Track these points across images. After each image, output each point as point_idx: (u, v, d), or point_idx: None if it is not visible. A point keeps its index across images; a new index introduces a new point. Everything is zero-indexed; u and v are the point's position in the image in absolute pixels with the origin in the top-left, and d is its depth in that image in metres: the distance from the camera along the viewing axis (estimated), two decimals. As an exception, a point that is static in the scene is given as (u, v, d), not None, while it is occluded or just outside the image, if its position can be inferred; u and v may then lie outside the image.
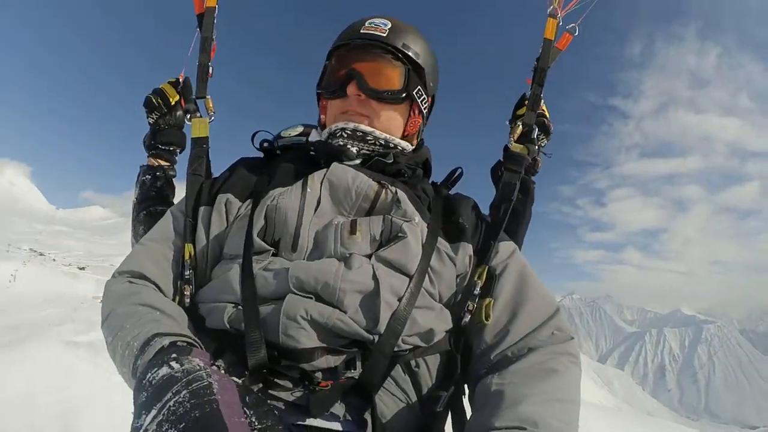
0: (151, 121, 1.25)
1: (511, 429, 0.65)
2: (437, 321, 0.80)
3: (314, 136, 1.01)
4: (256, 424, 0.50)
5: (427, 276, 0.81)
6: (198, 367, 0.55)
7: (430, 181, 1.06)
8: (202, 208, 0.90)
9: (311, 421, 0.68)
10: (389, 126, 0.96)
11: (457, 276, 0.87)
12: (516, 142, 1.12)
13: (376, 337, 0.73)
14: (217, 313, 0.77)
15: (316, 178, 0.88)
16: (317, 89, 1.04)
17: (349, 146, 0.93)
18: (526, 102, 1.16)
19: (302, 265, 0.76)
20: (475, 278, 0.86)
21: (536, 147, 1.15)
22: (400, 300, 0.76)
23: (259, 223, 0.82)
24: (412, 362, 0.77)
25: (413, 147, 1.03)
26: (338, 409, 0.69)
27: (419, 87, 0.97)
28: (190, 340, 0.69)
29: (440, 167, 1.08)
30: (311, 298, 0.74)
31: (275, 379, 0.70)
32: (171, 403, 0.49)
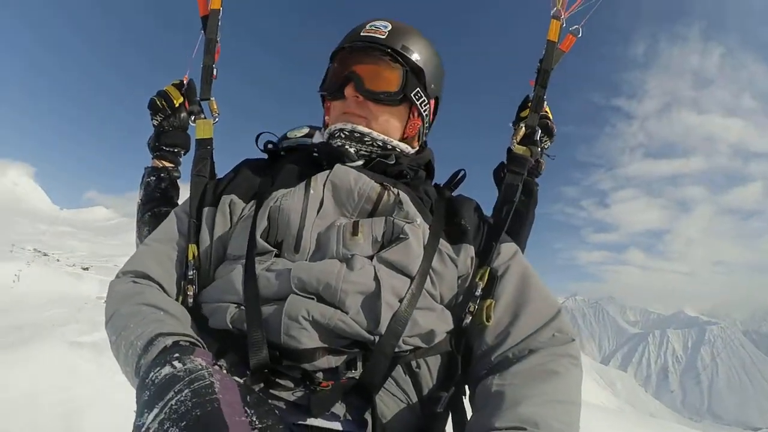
0: (155, 123, 1.25)
1: (512, 429, 0.65)
2: (438, 322, 0.81)
3: (317, 138, 1.02)
4: (257, 423, 0.51)
5: (428, 277, 0.81)
6: (200, 367, 0.56)
7: (433, 183, 1.06)
8: (206, 209, 0.91)
9: (312, 421, 0.69)
10: (387, 127, 0.97)
11: (459, 277, 0.87)
12: (519, 143, 1.12)
13: (377, 338, 0.73)
14: (219, 313, 0.78)
15: (319, 179, 0.89)
16: (320, 91, 1.05)
17: (347, 147, 0.93)
18: (530, 104, 1.16)
19: (304, 266, 0.77)
20: (477, 280, 0.86)
21: (539, 149, 1.15)
22: (401, 301, 0.76)
23: (262, 224, 0.82)
24: (413, 363, 0.78)
25: (414, 149, 1.03)
26: (339, 409, 0.70)
27: (418, 89, 0.98)
28: (192, 340, 0.70)
29: (444, 169, 1.08)
30: (313, 298, 0.74)
31: (277, 379, 0.71)
32: (173, 401, 0.50)
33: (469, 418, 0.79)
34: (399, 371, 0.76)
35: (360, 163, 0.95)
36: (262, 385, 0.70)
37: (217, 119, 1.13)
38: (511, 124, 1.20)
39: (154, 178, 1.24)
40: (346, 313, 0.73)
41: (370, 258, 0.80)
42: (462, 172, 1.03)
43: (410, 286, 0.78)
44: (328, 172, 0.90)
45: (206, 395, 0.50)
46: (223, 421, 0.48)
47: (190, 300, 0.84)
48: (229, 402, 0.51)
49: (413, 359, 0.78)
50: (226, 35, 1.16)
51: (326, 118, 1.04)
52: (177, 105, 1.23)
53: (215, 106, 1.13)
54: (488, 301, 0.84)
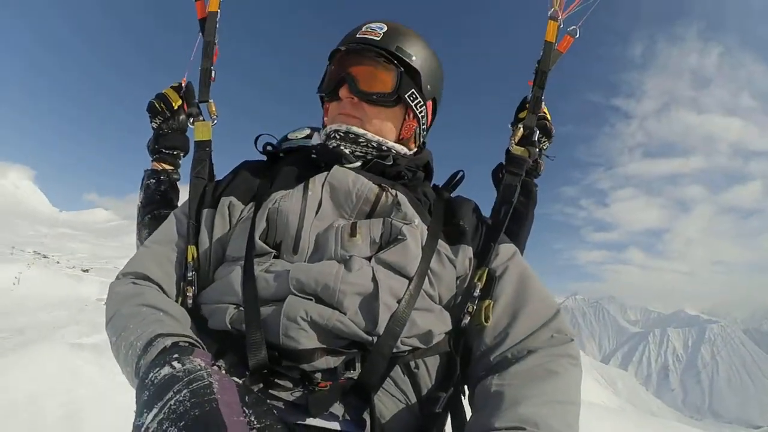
0: (154, 125, 1.26)
1: (511, 429, 0.65)
2: (436, 323, 0.81)
3: (316, 139, 1.02)
4: (255, 423, 0.51)
5: (426, 278, 0.81)
6: (199, 367, 0.56)
7: (431, 184, 1.07)
8: (205, 211, 0.91)
9: (311, 421, 0.69)
10: (381, 128, 0.97)
11: (457, 278, 0.87)
12: (517, 144, 1.12)
13: (375, 339, 0.73)
14: (219, 314, 0.78)
15: (317, 181, 0.89)
16: (317, 92, 1.06)
17: (342, 148, 0.94)
18: (528, 105, 1.16)
19: (303, 267, 0.77)
20: (475, 280, 0.86)
21: (537, 149, 1.15)
22: (399, 302, 0.76)
23: (261, 225, 0.82)
24: (412, 363, 0.78)
25: (411, 150, 1.04)
26: (337, 409, 0.70)
27: (413, 90, 0.98)
28: (192, 341, 0.70)
29: (443, 170, 1.09)
30: (311, 299, 0.74)
31: (275, 380, 0.71)
32: (172, 402, 0.50)
33: (468, 419, 0.79)
34: (397, 372, 0.76)
35: (358, 164, 0.95)
36: (261, 385, 0.70)
37: (215, 121, 1.13)
38: (509, 126, 1.21)
39: (154, 180, 1.24)
40: (345, 313, 0.73)
41: (369, 259, 0.80)
42: (460, 173, 1.03)
43: (408, 286, 0.78)
44: (326, 173, 0.90)
45: (205, 395, 0.51)
46: (221, 421, 0.48)
47: (190, 301, 0.84)
48: (227, 402, 0.51)
49: (412, 360, 0.78)
50: (226, 37, 1.17)
51: (325, 119, 1.05)
52: (176, 107, 1.24)
53: (213, 108, 1.14)
54: (487, 302, 0.84)
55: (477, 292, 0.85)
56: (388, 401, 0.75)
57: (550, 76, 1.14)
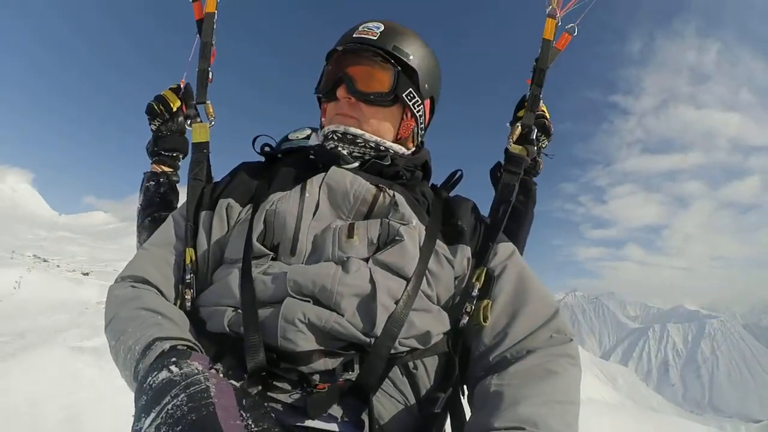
0: (153, 127, 1.25)
1: (511, 429, 0.65)
2: (435, 323, 0.81)
3: (314, 139, 1.02)
4: (253, 426, 0.51)
5: (424, 278, 0.81)
6: (196, 371, 0.56)
7: (430, 184, 1.06)
8: (203, 213, 0.91)
9: (309, 423, 0.69)
10: (379, 128, 0.97)
11: (456, 278, 0.87)
12: (515, 143, 1.12)
13: (373, 340, 0.73)
14: (217, 317, 0.78)
15: (314, 182, 0.89)
16: (315, 93, 1.05)
17: (340, 149, 0.94)
18: (526, 103, 1.16)
19: (300, 269, 0.77)
20: (474, 280, 0.86)
21: (535, 148, 1.15)
22: (397, 303, 0.76)
23: (258, 227, 0.82)
24: (410, 364, 0.78)
25: (409, 150, 1.03)
26: (336, 410, 0.70)
27: (410, 89, 0.98)
28: (190, 344, 0.70)
29: (441, 169, 1.09)
30: (309, 301, 0.74)
31: (274, 382, 0.71)
32: (169, 406, 0.51)
33: (467, 419, 0.79)
34: (396, 372, 0.76)
35: (356, 165, 0.95)
36: (259, 387, 0.70)
37: (213, 122, 1.13)
38: (508, 124, 1.21)
39: (154, 183, 1.24)
40: (342, 315, 0.73)
41: (366, 260, 0.80)
42: (459, 173, 1.03)
43: (406, 287, 0.78)
44: (323, 174, 0.90)
45: (202, 400, 0.51)
46: (218, 425, 0.48)
47: (188, 304, 0.84)
48: (224, 406, 0.51)
49: (410, 360, 0.78)
50: (225, 37, 1.17)
51: (323, 119, 1.05)
52: (174, 109, 1.23)
53: (211, 110, 1.14)
54: (485, 302, 0.84)
55: (475, 292, 0.85)
56: (387, 402, 0.75)
57: (548, 74, 1.14)
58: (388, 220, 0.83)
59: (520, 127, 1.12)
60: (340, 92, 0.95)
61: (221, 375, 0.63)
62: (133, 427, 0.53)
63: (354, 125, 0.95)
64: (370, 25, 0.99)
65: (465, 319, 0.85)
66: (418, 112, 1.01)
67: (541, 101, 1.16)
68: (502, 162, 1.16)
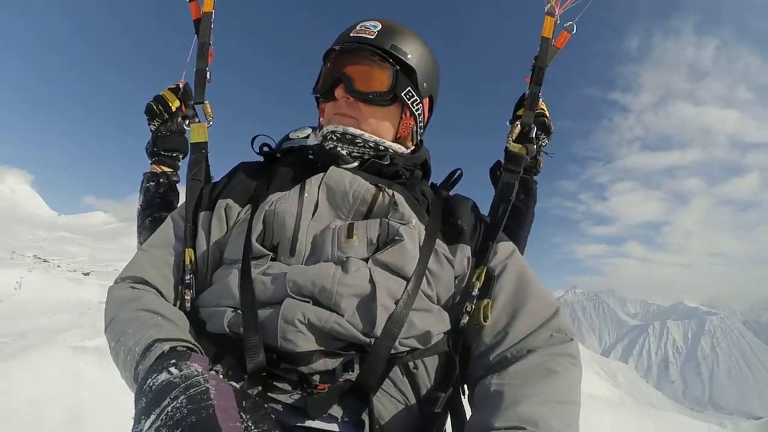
0: (152, 128, 1.25)
1: (511, 429, 0.65)
2: (435, 323, 0.81)
3: (313, 139, 1.02)
4: (253, 428, 0.51)
5: (424, 278, 0.81)
6: (196, 373, 0.56)
7: (429, 183, 1.06)
8: (202, 213, 0.91)
9: (310, 423, 0.69)
10: (378, 128, 0.96)
11: (456, 278, 0.87)
12: (515, 141, 1.12)
13: (373, 340, 0.73)
14: (217, 318, 0.78)
15: (313, 182, 0.89)
16: (313, 92, 1.05)
17: (339, 149, 0.93)
18: (525, 101, 1.16)
19: (300, 269, 0.77)
20: (474, 280, 0.86)
21: (535, 146, 1.15)
22: (397, 303, 0.76)
23: (257, 228, 0.82)
24: (410, 364, 0.78)
25: (409, 149, 1.03)
26: (336, 411, 0.70)
27: (409, 88, 0.97)
28: (189, 345, 0.70)
29: (441, 168, 1.08)
30: (309, 302, 0.74)
31: (274, 382, 0.71)
32: (169, 408, 0.51)
33: (468, 418, 0.79)
34: (396, 372, 0.76)
35: (355, 164, 0.95)
36: (259, 388, 0.70)
37: (211, 122, 1.13)
38: (508, 123, 1.20)
39: (153, 183, 1.24)
40: (342, 315, 0.73)
41: (366, 260, 0.80)
42: (459, 172, 1.03)
43: (406, 287, 0.78)
44: (322, 174, 0.90)
45: (201, 401, 0.51)
46: (217, 427, 0.48)
47: (188, 304, 0.84)
48: (224, 407, 0.51)
49: (410, 360, 0.78)
50: (225, 37, 1.17)
51: (321, 119, 1.04)
52: (174, 109, 1.23)
53: (209, 110, 1.13)
54: (485, 301, 0.84)
55: (476, 292, 0.85)
56: (387, 402, 0.75)
57: (547, 72, 1.14)
58: (387, 220, 0.83)
59: (519, 126, 1.12)
60: (339, 92, 0.94)
61: (221, 376, 0.63)
62: (133, 429, 0.53)
63: (353, 125, 0.94)
64: (368, 24, 0.98)
65: (465, 319, 0.85)
66: (417, 111, 1.01)
67: (541, 99, 1.15)
68: (502, 161, 1.16)
